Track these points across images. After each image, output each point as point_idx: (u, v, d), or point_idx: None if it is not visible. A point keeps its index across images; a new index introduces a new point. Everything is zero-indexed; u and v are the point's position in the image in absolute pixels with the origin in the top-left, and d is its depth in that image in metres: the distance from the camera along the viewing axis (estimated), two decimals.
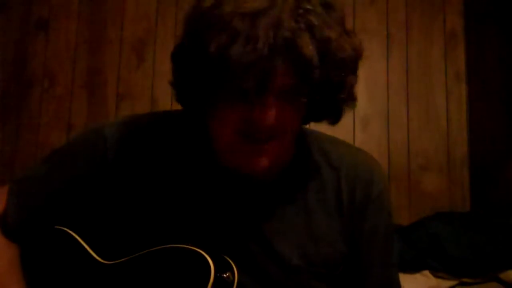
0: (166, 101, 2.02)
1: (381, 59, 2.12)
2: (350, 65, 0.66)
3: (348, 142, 0.88)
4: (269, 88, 0.63)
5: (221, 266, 0.71)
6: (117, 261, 0.78)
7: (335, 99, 0.70)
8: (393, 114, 2.09)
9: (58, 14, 2.18)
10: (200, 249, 0.71)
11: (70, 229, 0.83)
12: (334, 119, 0.74)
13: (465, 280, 1.62)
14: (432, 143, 2.07)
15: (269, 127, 0.64)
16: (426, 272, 1.63)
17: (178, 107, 0.77)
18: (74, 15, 2.18)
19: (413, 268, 1.62)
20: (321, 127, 0.79)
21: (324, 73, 0.62)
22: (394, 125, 2.08)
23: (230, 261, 0.73)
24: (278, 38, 0.59)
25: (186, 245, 0.72)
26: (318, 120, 0.75)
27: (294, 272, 0.77)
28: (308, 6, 0.62)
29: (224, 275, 0.70)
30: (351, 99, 0.71)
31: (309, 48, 0.60)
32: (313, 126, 0.80)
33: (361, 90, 2.08)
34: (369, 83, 2.09)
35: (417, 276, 1.62)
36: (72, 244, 0.82)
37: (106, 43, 2.15)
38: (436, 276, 1.63)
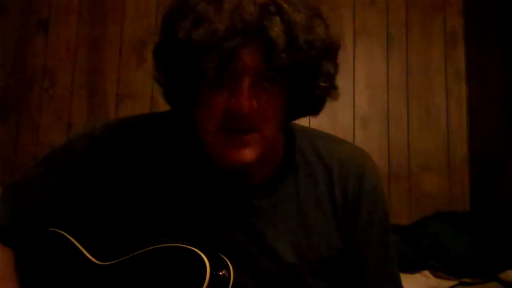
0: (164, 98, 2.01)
1: (381, 59, 2.12)
2: (322, 49, 0.66)
3: (338, 136, 0.88)
4: (237, 72, 0.64)
5: (217, 264, 0.71)
6: (112, 262, 0.78)
7: (311, 86, 0.70)
8: (393, 114, 2.09)
9: (58, 14, 2.18)
10: (195, 247, 0.71)
11: (65, 231, 0.83)
12: (314, 109, 0.74)
13: (465, 280, 1.62)
14: (432, 143, 2.07)
15: (246, 115, 0.65)
16: (426, 272, 1.63)
17: None
18: (74, 15, 2.18)
19: (413, 268, 1.62)
20: (321, 127, 0.79)
21: (292, 56, 0.63)
22: (394, 125, 2.08)
23: (226, 258, 0.74)
24: (238, 20, 0.60)
25: (180, 244, 0.73)
26: (301, 113, 0.75)
27: (289, 269, 0.77)
28: None
29: (220, 273, 0.70)
30: (331, 87, 0.71)
31: (274, 30, 0.61)
32: (313, 126, 0.80)
33: (361, 90, 2.08)
34: (369, 83, 2.09)
35: (417, 276, 1.62)
36: (67, 246, 0.82)
37: (106, 43, 2.15)
38: (436, 276, 1.63)
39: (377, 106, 2.09)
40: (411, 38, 2.13)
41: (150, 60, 2.12)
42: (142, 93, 2.11)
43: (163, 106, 0.78)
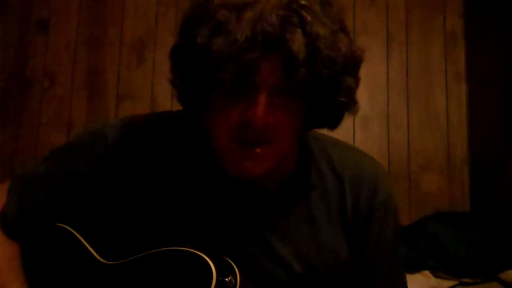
0: (166, 101, 2.02)
1: (381, 59, 2.12)
2: (344, 65, 0.64)
3: (352, 145, 0.86)
4: (255, 84, 0.62)
5: (223, 270, 0.70)
6: (118, 262, 0.78)
7: (331, 101, 0.67)
8: (393, 114, 2.09)
9: (58, 14, 2.18)
10: (202, 252, 0.70)
11: (72, 227, 0.83)
12: (332, 123, 0.72)
13: (465, 280, 1.62)
14: (432, 143, 2.07)
15: (260, 128, 0.63)
16: (426, 272, 1.63)
17: (178, 106, 0.77)
18: (74, 15, 2.18)
19: (413, 268, 1.62)
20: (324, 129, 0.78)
21: (312, 70, 0.60)
22: (394, 125, 2.08)
23: (233, 264, 0.73)
24: (258, 31, 0.58)
25: (188, 248, 0.72)
26: (317, 126, 0.73)
27: (297, 279, 0.76)
28: (302, 2, 0.61)
29: (226, 279, 0.70)
30: (351, 102, 0.69)
31: (295, 44, 0.59)
32: None
33: (361, 90, 2.06)
34: (369, 83, 2.09)
35: (417, 276, 1.62)
36: (73, 242, 0.82)
37: (106, 43, 2.15)
38: (436, 276, 1.63)
39: (377, 106, 2.09)
40: (411, 38, 2.13)
41: (150, 60, 2.13)
42: (142, 93, 2.10)
43: (163, 106, 0.78)
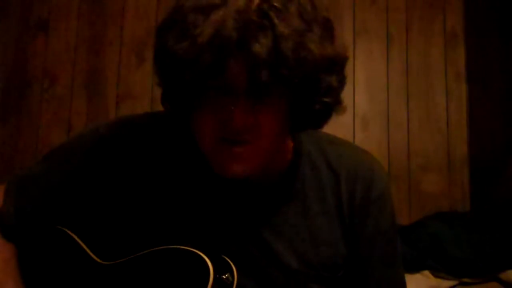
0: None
1: (381, 59, 2.12)
2: (317, 65, 0.62)
3: (348, 141, 0.87)
4: (227, 86, 0.62)
5: (220, 268, 0.71)
6: (115, 262, 0.78)
7: (312, 101, 0.66)
8: (393, 114, 2.09)
9: (58, 14, 2.18)
10: (199, 250, 0.71)
11: (68, 229, 0.83)
12: (316, 123, 0.71)
13: (465, 280, 1.62)
14: (432, 143, 2.07)
15: (237, 128, 0.63)
16: (426, 272, 1.63)
17: None
18: (74, 15, 2.17)
19: (413, 268, 1.62)
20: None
21: (276, 72, 0.59)
22: (394, 125, 2.08)
23: (230, 261, 0.73)
24: (223, 34, 0.58)
25: (184, 246, 0.72)
26: (304, 126, 0.73)
27: (294, 275, 0.76)
28: (275, 3, 0.60)
29: (223, 276, 0.70)
30: (334, 102, 0.68)
31: (256, 46, 0.58)
32: None
33: (361, 90, 2.08)
34: (369, 83, 2.09)
35: (417, 276, 1.62)
36: (70, 243, 0.82)
37: (106, 43, 2.15)
38: (436, 276, 1.63)
39: (377, 106, 2.09)
40: (411, 38, 2.13)
41: (150, 60, 2.12)
42: (142, 93, 2.11)
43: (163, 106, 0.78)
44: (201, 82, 0.61)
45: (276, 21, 0.59)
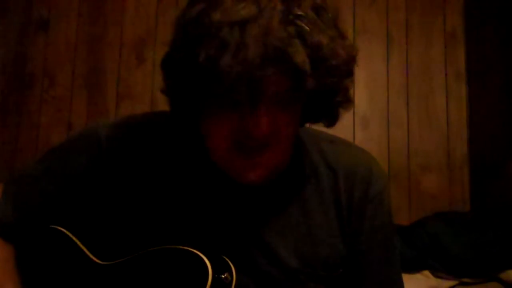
0: (166, 101, 2.01)
1: (381, 59, 2.12)
2: (344, 70, 0.65)
3: (346, 140, 0.87)
4: (258, 95, 0.62)
5: (219, 267, 0.71)
6: (113, 262, 0.78)
7: (330, 103, 0.69)
8: (393, 114, 2.09)
9: (58, 14, 2.18)
10: (198, 250, 0.71)
11: (66, 229, 0.83)
12: (330, 122, 0.73)
13: (465, 280, 1.62)
14: (432, 143, 2.07)
15: (262, 136, 0.63)
16: (426, 272, 1.63)
17: None
18: (74, 15, 2.18)
19: (413, 268, 1.62)
20: (321, 126, 0.79)
21: (317, 80, 0.61)
22: (394, 125, 2.08)
23: (228, 261, 0.73)
24: (268, 47, 0.58)
25: (183, 246, 0.72)
26: (314, 122, 0.75)
27: (292, 274, 0.76)
28: (299, 12, 0.60)
29: (222, 276, 0.70)
30: (347, 101, 0.70)
31: (299, 56, 0.58)
32: (313, 126, 0.79)
33: (361, 90, 2.08)
34: (369, 83, 2.09)
35: (417, 276, 1.62)
36: (68, 244, 0.82)
37: (106, 43, 2.15)
38: (436, 276, 1.63)
39: (377, 106, 2.09)
40: (411, 38, 2.14)
41: (150, 60, 2.13)
42: (142, 93, 2.11)
43: (163, 106, 0.78)
44: (246, 94, 0.61)
45: (307, 29, 0.60)
